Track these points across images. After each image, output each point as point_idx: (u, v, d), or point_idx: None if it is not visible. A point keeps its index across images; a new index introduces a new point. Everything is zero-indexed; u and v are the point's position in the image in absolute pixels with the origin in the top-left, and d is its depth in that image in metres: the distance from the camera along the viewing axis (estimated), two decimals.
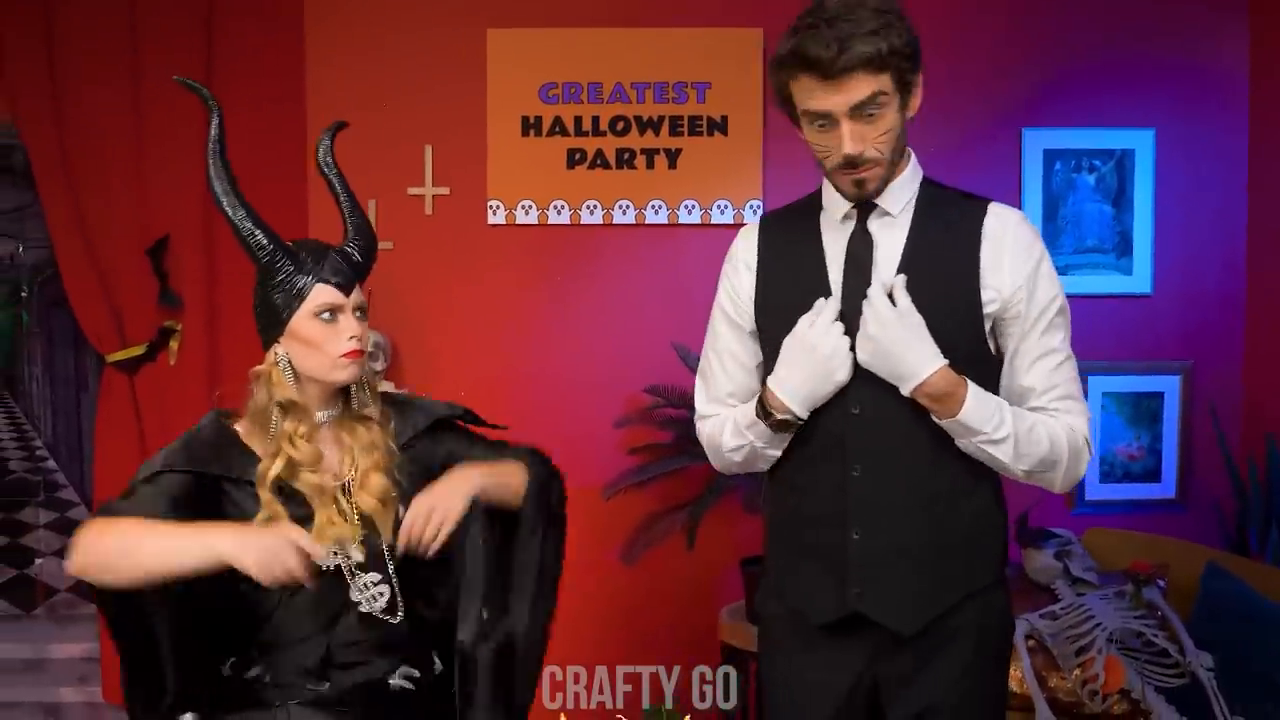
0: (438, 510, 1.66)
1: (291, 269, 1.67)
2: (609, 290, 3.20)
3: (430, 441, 1.83)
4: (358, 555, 1.68)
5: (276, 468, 1.64)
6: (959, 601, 1.64)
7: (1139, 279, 3.15)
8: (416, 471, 1.77)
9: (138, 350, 3.16)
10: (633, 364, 3.11)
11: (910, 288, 1.57)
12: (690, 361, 2.98)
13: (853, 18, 1.47)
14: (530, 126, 3.16)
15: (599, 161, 3.16)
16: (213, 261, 3.17)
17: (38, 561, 3.49)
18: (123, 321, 3.16)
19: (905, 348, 1.53)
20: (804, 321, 1.61)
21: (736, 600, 2.98)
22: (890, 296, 1.57)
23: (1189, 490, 3.21)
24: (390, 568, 1.70)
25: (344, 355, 1.67)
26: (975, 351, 1.61)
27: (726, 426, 1.73)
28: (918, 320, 1.54)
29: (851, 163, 1.54)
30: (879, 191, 1.60)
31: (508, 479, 1.80)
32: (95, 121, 3.11)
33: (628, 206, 3.17)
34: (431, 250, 3.18)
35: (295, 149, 3.10)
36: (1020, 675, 2.44)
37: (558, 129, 3.16)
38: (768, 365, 1.70)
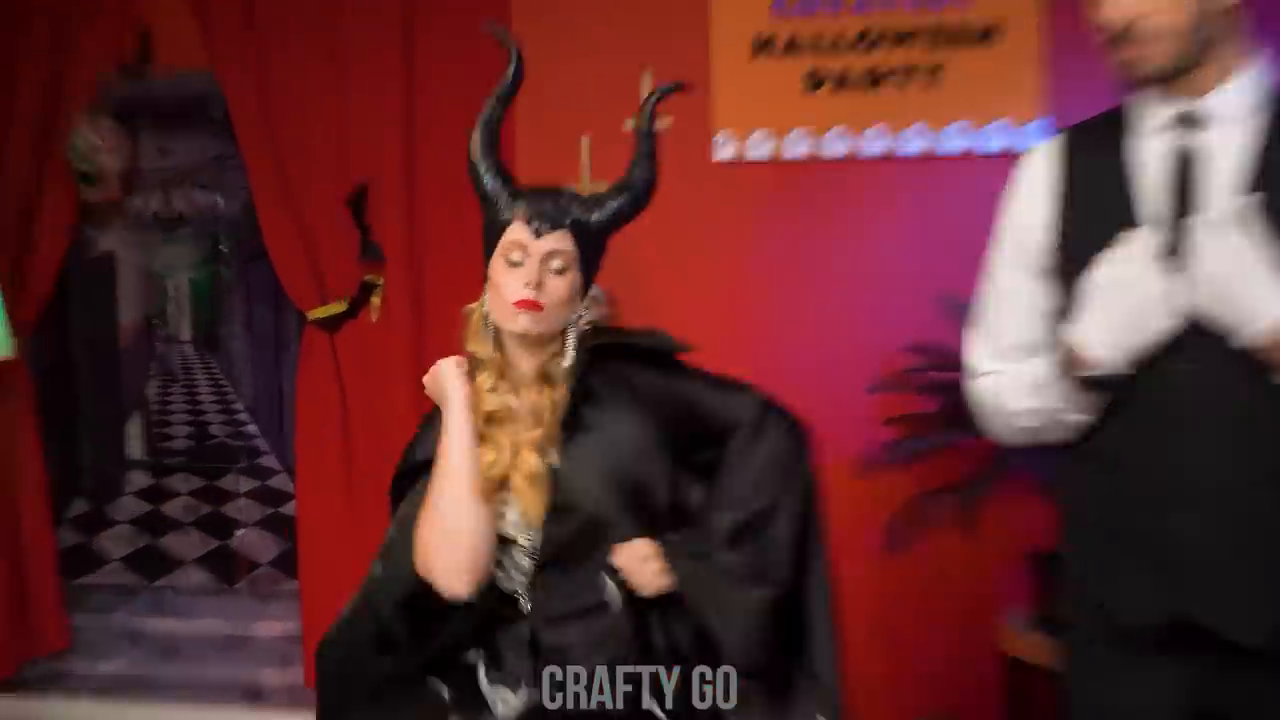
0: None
1: (499, 205, 1.61)
2: (860, 234, 2.81)
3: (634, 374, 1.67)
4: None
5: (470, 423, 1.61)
6: None
7: None
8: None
9: (339, 307, 3.01)
10: (889, 320, 2.72)
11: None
12: (960, 315, 2.52)
13: None
14: (763, 46, 2.81)
15: (845, 83, 2.77)
16: (414, 210, 2.97)
17: (239, 533, 3.36)
18: (324, 277, 3.02)
19: (1251, 284, 1.31)
20: (1111, 257, 1.40)
21: (1021, 600, 2.53)
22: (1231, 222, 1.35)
23: None
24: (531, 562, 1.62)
25: (515, 303, 1.55)
26: None
27: (1015, 385, 1.56)
28: (1267, 254, 1.31)
29: (1122, 32, 1.40)
30: (1166, 78, 1.41)
31: None
32: (295, 70, 3.00)
33: (881, 134, 2.76)
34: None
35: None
36: None
37: (795, 48, 2.79)
38: (1066, 311, 1.49)
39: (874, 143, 2.75)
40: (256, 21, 2.98)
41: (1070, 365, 1.44)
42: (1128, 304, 1.37)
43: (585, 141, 2.87)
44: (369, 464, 2.93)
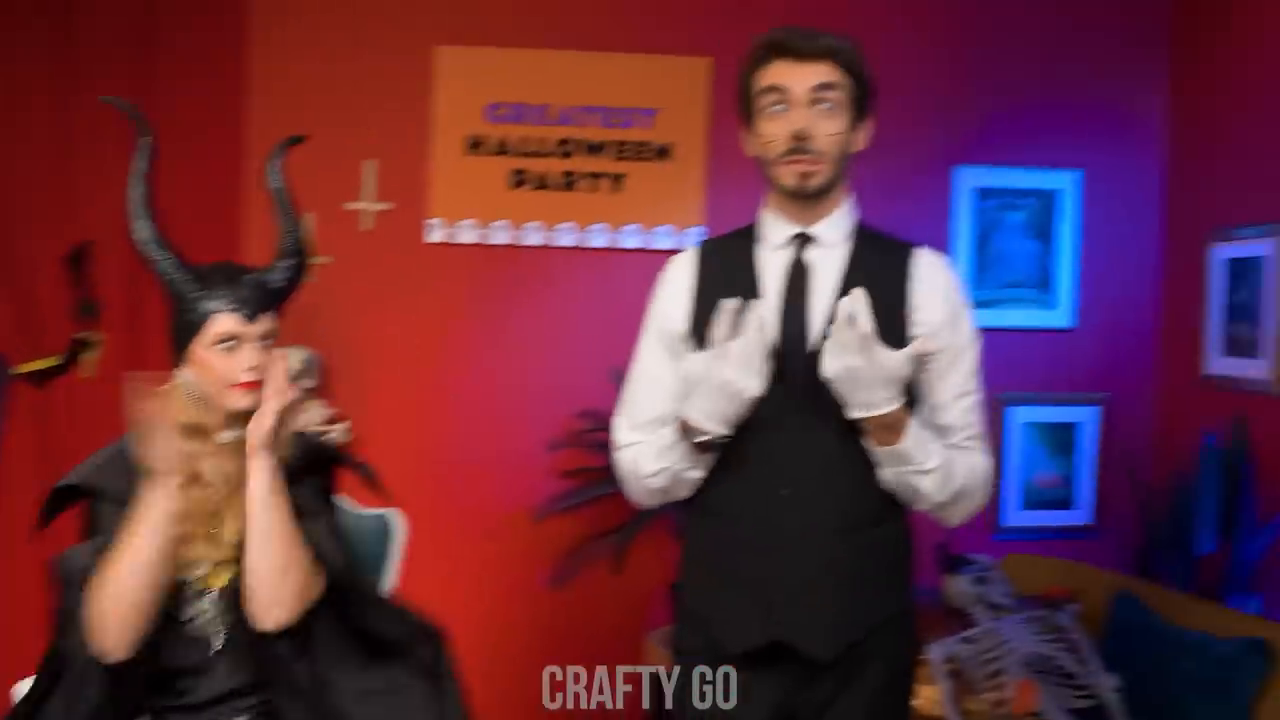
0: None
1: (195, 295, 1.67)
2: (548, 313, 3.22)
3: (316, 482, 1.80)
4: (216, 580, 1.71)
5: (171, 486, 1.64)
6: (876, 627, 1.67)
7: (1061, 314, 3.29)
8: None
9: (51, 361, 3.02)
10: (569, 387, 3.14)
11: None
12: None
13: (816, 30, 1.62)
14: (475, 145, 3.17)
15: (543, 183, 3.19)
16: (137, 272, 2.96)
17: None
18: (38, 332, 3.02)
19: (881, 377, 1.53)
20: (710, 348, 1.59)
21: (664, 625, 3.02)
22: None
23: (1102, 518, 3.35)
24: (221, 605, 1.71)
25: (238, 386, 1.67)
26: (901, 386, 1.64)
27: (649, 452, 1.69)
28: (886, 350, 1.55)
29: (800, 144, 1.58)
30: (820, 193, 1.63)
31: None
32: (19, 131, 3.02)
33: (570, 228, 3.20)
34: (368, 267, 3.16)
35: (232, 162, 3.08)
36: (937, 699, 2.52)
37: (503, 149, 3.18)
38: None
39: (565, 235, 3.19)
40: None
41: (685, 432, 1.61)
42: (715, 383, 1.55)
43: (309, 218, 3.12)
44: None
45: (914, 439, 1.58)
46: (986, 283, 3.22)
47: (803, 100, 1.58)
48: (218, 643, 1.72)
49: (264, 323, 1.70)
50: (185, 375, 1.70)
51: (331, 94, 3.15)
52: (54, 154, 3.03)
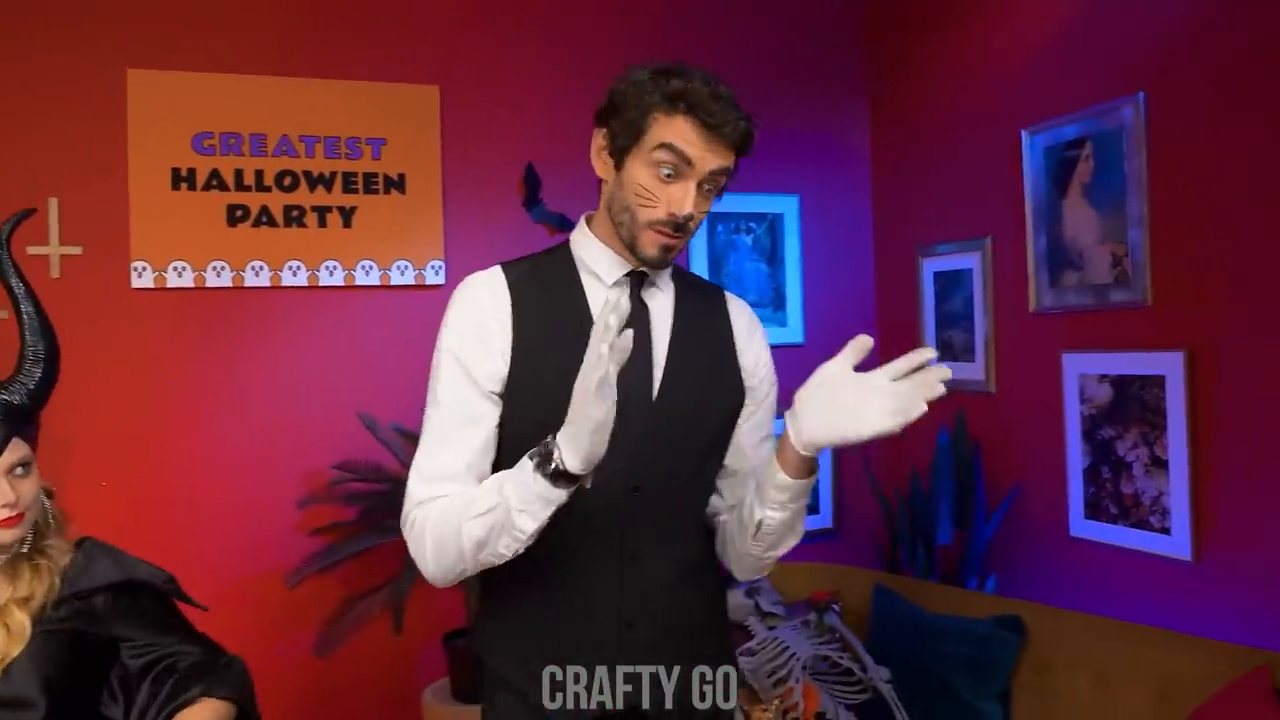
0: None
1: None
2: (281, 359, 2.95)
3: (108, 596, 1.73)
4: None
5: None
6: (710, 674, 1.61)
7: (792, 330, 3.46)
8: (80, 624, 1.69)
9: None
10: (313, 438, 2.89)
11: (682, 359, 1.53)
12: (379, 432, 2.81)
13: (734, 102, 1.46)
14: (182, 179, 2.86)
15: (264, 219, 2.92)
16: None
17: None
18: None
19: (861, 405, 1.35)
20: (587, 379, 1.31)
21: (440, 678, 2.83)
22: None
23: (843, 519, 3.54)
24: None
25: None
26: (726, 428, 1.60)
27: (460, 503, 1.41)
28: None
29: (677, 224, 1.46)
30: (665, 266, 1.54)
31: None
32: None
33: (299, 268, 2.94)
34: (61, 318, 2.64)
35: None
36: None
37: (215, 183, 2.88)
38: (509, 431, 1.49)
39: (293, 275, 2.93)
40: None
41: (546, 456, 1.31)
42: (600, 420, 1.27)
43: None
44: None
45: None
46: None
47: (697, 179, 1.45)
48: None
49: (14, 452, 1.63)
50: None
51: (4, 125, 2.72)
52: None
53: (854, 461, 3.47)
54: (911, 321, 3.42)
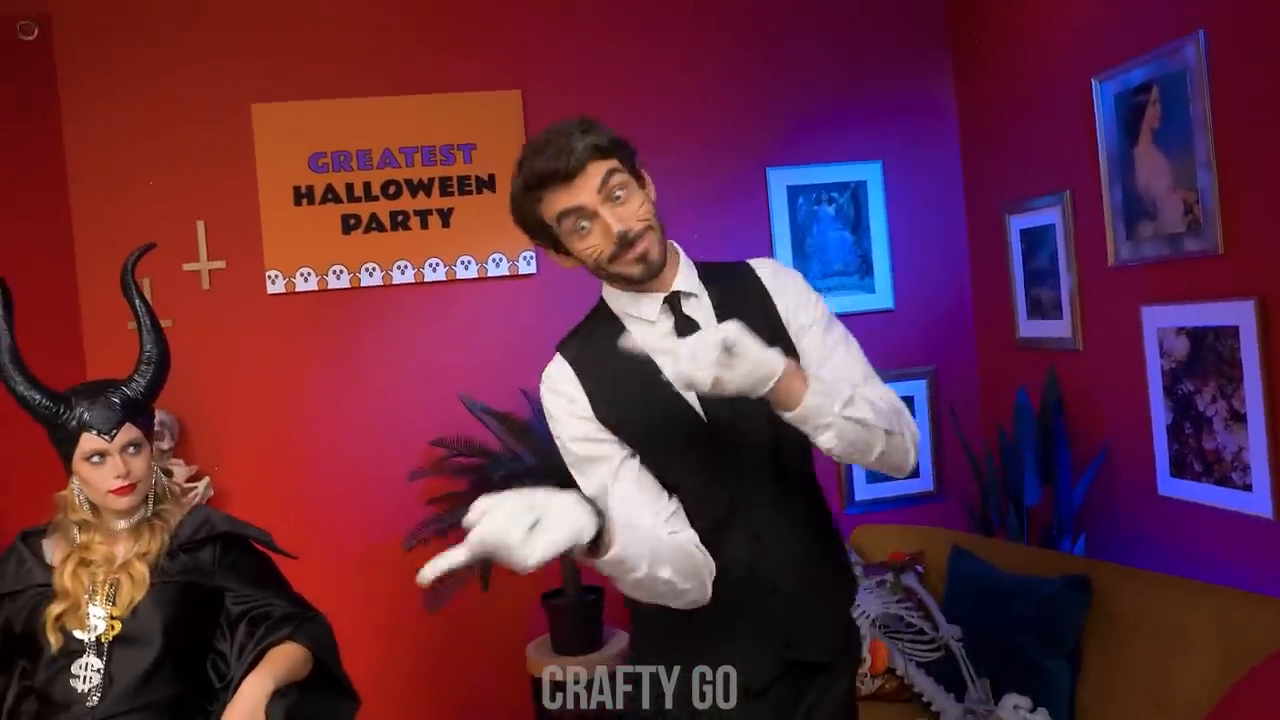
0: None
1: (64, 421, 1.99)
2: (393, 349, 3.30)
3: (215, 550, 2.12)
4: (98, 632, 1.98)
5: (65, 572, 2.00)
6: (846, 624, 1.81)
7: (881, 296, 3.49)
8: (190, 576, 2.08)
9: None
10: (422, 417, 3.22)
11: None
12: (476, 411, 3.11)
13: (561, 132, 1.56)
14: (303, 196, 3.24)
15: (374, 225, 3.27)
16: None
17: None
18: None
19: (757, 352, 1.44)
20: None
21: (541, 634, 3.11)
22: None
23: (943, 481, 3.55)
24: (104, 658, 1.98)
25: (112, 492, 1.99)
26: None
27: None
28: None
29: (626, 241, 1.56)
30: (662, 263, 1.63)
31: (288, 664, 2.03)
32: None
33: (406, 266, 3.28)
34: (212, 324, 3.20)
35: (61, 237, 3.11)
36: None
37: (330, 196, 3.25)
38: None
39: (401, 273, 3.28)
40: None
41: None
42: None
43: (145, 283, 3.16)
44: None
45: (817, 382, 1.53)
46: (809, 275, 3.38)
47: (598, 205, 1.55)
48: (95, 695, 1.95)
49: (125, 434, 2.01)
50: (73, 483, 2.04)
51: (154, 162, 3.19)
52: None
53: (949, 424, 3.47)
54: (1004, 278, 3.37)
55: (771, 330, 1.65)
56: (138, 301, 2.15)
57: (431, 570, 1.28)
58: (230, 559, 2.14)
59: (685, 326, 1.63)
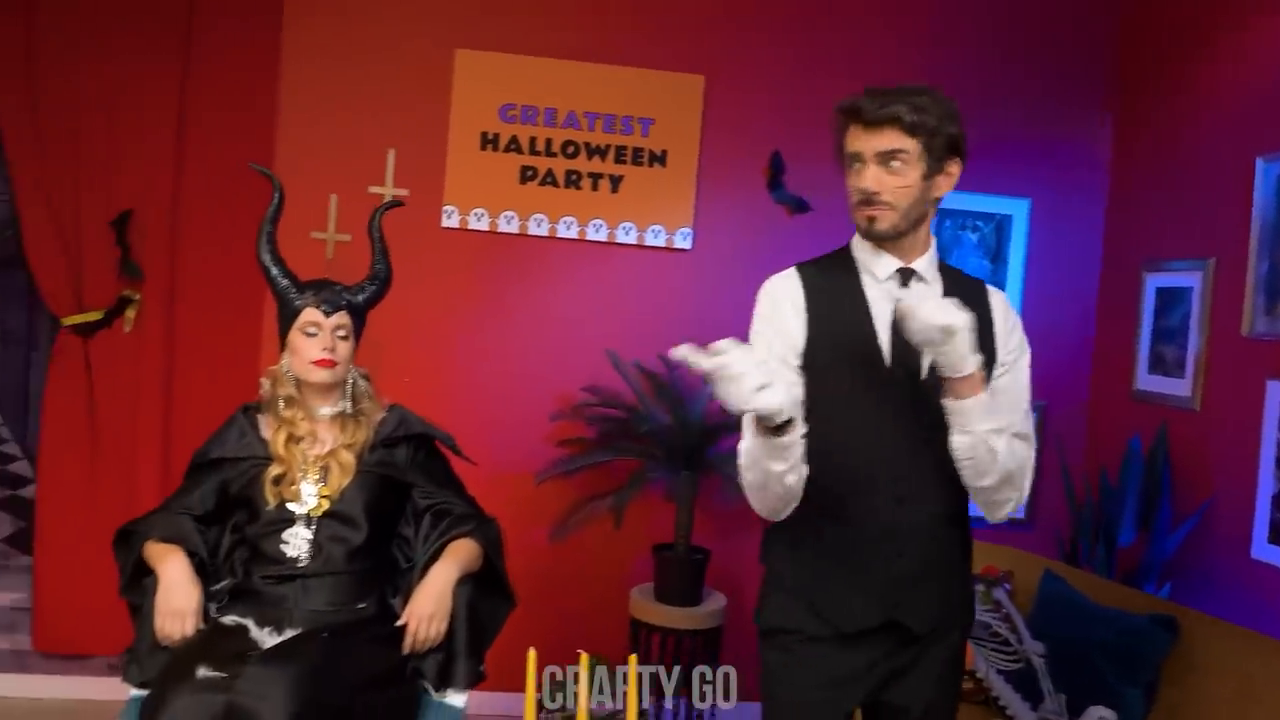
0: (436, 616, 2.14)
1: (293, 297, 2.26)
2: (549, 297, 3.52)
3: (409, 449, 2.37)
4: (315, 512, 2.22)
5: (279, 442, 2.24)
6: (954, 605, 1.94)
7: None
8: (386, 470, 2.30)
9: (95, 315, 3.27)
10: (567, 365, 3.44)
11: None
12: (621, 367, 3.33)
13: (898, 91, 1.75)
14: (489, 142, 3.46)
15: (549, 179, 3.48)
16: (176, 239, 3.33)
17: None
18: (82, 288, 3.27)
19: (968, 343, 1.65)
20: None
21: (646, 581, 3.33)
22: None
23: (1035, 512, 3.72)
24: (312, 529, 2.21)
25: (314, 362, 2.23)
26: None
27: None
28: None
29: (866, 198, 1.77)
30: (891, 236, 1.79)
31: (469, 557, 2.26)
32: (69, 102, 3.22)
33: (571, 222, 3.49)
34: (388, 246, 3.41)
35: (265, 146, 3.36)
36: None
37: (513, 146, 3.47)
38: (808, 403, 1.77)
39: (566, 229, 3.49)
40: (34, 47, 3.19)
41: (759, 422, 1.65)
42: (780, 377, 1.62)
43: (333, 199, 3.41)
44: (113, 456, 3.26)
45: (989, 395, 1.73)
46: None
47: (872, 162, 1.75)
48: (305, 558, 2.19)
49: (339, 318, 2.27)
50: (284, 360, 2.28)
51: (359, 87, 3.42)
52: (102, 126, 3.26)
53: (1052, 459, 3.63)
54: (1130, 331, 3.52)
55: (981, 344, 1.76)
56: (377, 232, 2.42)
57: (683, 352, 1.55)
58: (420, 458, 2.38)
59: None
